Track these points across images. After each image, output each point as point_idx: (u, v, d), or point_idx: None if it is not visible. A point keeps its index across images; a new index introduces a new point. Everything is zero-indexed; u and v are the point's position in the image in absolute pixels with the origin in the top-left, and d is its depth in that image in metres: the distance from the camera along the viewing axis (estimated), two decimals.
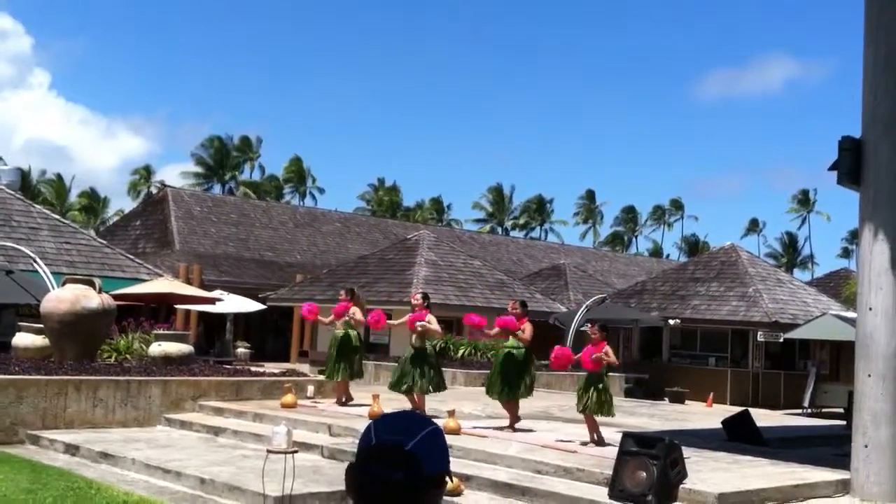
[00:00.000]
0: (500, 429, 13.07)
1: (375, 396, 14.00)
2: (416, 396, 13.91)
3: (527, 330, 13.06)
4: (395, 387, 13.92)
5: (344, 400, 15.39)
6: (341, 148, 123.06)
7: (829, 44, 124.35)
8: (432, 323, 13.86)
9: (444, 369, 24.07)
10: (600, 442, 11.89)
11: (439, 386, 14.05)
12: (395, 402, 14.68)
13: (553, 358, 12.35)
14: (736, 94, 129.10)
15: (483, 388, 14.28)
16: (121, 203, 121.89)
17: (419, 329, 13.78)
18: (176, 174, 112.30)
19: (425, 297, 14.42)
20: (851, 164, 10.57)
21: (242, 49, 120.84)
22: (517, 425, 13.19)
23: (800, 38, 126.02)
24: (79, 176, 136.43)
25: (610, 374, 12.28)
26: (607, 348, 12.01)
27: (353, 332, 15.26)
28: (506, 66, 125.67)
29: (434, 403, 15.03)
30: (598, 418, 12.09)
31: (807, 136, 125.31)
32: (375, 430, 1.85)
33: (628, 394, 26.21)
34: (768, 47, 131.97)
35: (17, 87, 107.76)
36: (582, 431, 12.45)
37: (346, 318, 15.15)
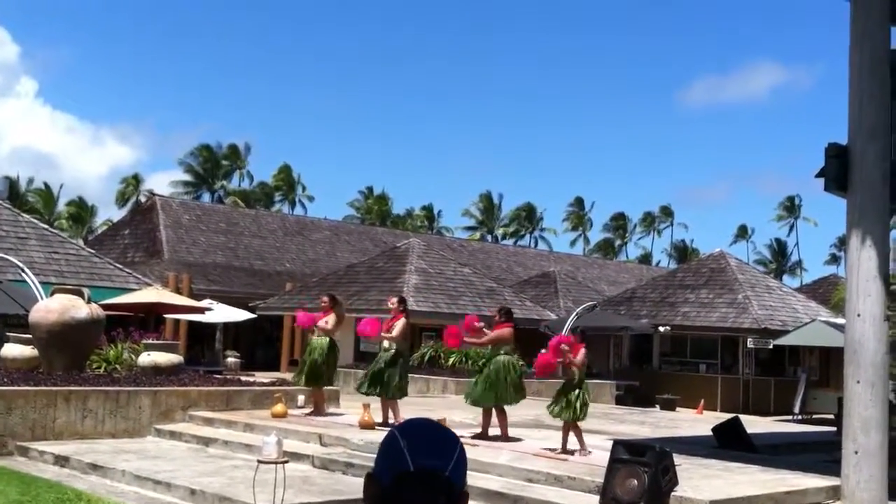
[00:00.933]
0: (493, 438, 13.07)
1: (366, 406, 14.00)
2: (385, 402, 14.03)
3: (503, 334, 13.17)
4: (365, 390, 14.12)
5: (315, 410, 15.34)
6: (330, 155, 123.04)
7: (814, 50, 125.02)
8: (394, 329, 14.04)
9: (434, 377, 24.27)
10: (571, 450, 11.90)
11: (404, 390, 14.25)
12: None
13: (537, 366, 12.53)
14: (722, 100, 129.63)
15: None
16: (108, 211, 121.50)
17: (391, 334, 14.06)
18: (164, 182, 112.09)
19: (401, 301, 14.52)
20: (838, 170, 10.63)
21: (231, 57, 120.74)
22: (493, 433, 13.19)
23: (785, 44, 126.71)
24: (66, 184, 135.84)
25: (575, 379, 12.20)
26: (582, 351, 12.05)
27: (326, 340, 15.07)
28: (493, 75, 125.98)
29: (423, 412, 15.03)
30: (581, 425, 12.12)
31: (793, 142, 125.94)
32: (410, 453, 1.73)
33: (619, 401, 26.24)
34: (754, 54, 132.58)
35: (4, 96, 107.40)
36: (572, 438, 12.46)
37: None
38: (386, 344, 14.10)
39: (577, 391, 11.80)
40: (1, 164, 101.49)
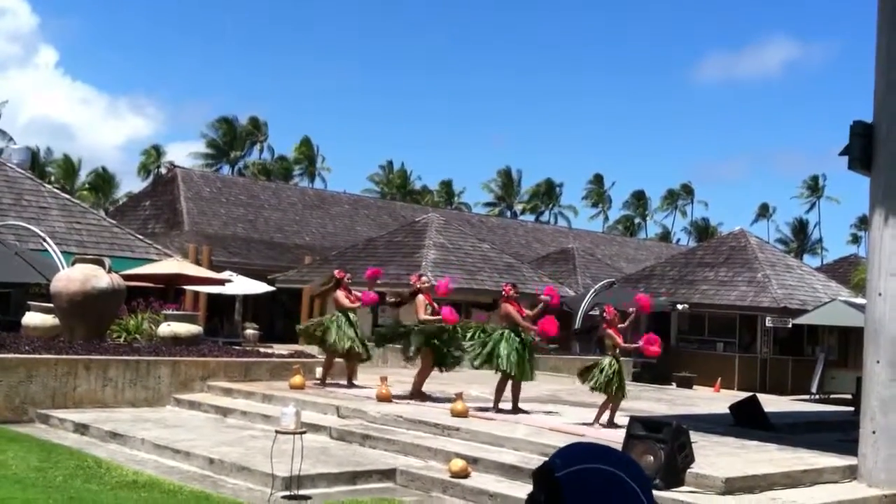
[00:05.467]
0: (506, 411, 13.12)
1: (383, 379, 14.06)
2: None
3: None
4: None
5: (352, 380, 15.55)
6: (350, 129, 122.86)
7: (828, 26, 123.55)
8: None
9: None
10: (608, 424, 11.96)
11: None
12: (405, 384, 14.73)
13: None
14: (736, 77, 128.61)
15: (490, 372, 14.31)
16: (126, 182, 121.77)
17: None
18: (182, 154, 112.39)
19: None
20: (862, 149, 10.52)
21: (250, 29, 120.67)
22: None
23: (797, 19, 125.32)
24: (83, 155, 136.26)
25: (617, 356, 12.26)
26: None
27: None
28: (513, 51, 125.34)
29: (441, 385, 15.08)
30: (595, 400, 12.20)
31: (808, 119, 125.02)
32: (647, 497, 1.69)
33: (636, 378, 26.21)
34: (768, 29, 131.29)
35: (23, 66, 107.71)
36: (589, 414, 12.50)
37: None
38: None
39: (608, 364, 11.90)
40: (19, 135, 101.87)
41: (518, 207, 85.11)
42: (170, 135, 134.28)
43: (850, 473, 10.35)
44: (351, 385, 15.33)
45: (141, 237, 26.92)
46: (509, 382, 13.23)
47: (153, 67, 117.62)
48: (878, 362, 10.19)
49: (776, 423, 14.25)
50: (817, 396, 26.46)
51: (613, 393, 11.92)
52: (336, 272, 15.67)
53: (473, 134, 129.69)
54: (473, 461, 10.10)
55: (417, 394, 14.22)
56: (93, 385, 13.64)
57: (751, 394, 16.06)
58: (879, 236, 10.37)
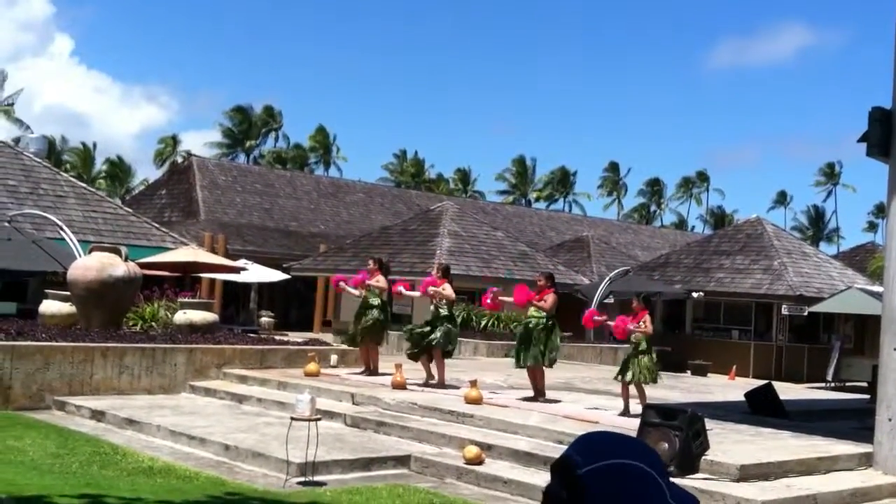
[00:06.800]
0: (526, 399, 13.11)
1: (398, 366, 14.09)
2: (427, 361, 14.28)
3: (548, 300, 13.04)
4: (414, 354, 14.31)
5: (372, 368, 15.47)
6: (365, 117, 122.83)
7: (842, 11, 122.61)
8: (446, 289, 14.17)
9: (466, 340, 24.34)
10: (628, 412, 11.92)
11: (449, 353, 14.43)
12: (418, 372, 14.77)
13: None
14: (749, 63, 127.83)
15: (506, 359, 14.34)
16: (142, 170, 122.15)
17: (430, 293, 14.24)
18: (198, 143, 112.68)
19: (442, 268, 14.77)
20: (881, 135, 10.44)
21: (264, 16, 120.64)
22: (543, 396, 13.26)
23: (813, 4, 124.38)
24: (98, 143, 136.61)
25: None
26: (646, 317, 12.02)
27: (380, 301, 15.22)
28: (528, 40, 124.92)
29: (456, 373, 15.11)
30: (615, 389, 12.10)
31: (824, 105, 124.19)
32: (668, 488, 1.60)
33: None
34: (781, 15, 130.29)
35: (38, 55, 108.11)
36: (603, 402, 12.49)
37: (369, 286, 15.13)
38: (433, 308, 14.42)
39: (641, 355, 11.83)
40: (34, 123, 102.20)
41: (532, 196, 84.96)
42: (184, 123, 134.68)
43: (866, 461, 10.32)
44: (367, 372, 15.36)
45: (157, 225, 27.01)
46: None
47: (167, 56, 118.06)
48: (894, 350, 10.14)
49: (791, 410, 14.22)
50: (833, 384, 26.36)
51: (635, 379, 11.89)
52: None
53: (487, 122, 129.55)
54: (487, 448, 10.12)
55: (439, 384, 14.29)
56: (109, 372, 13.73)
57: (766, 381, 16.01)
58: None
